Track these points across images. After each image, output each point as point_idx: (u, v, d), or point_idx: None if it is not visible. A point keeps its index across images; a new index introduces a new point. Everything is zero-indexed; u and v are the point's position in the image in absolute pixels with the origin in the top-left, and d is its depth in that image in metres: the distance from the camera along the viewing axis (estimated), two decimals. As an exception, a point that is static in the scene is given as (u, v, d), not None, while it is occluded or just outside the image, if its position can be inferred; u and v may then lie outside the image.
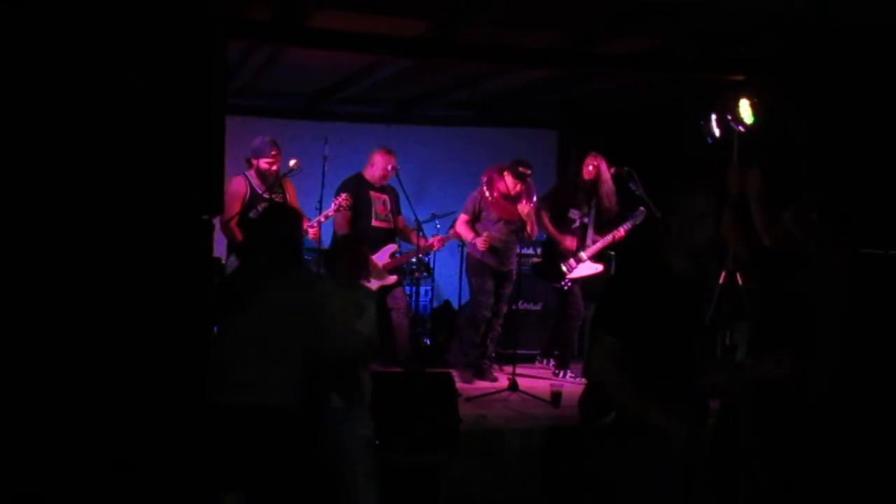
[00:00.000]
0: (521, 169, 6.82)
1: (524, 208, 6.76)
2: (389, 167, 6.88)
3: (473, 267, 7.02)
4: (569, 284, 7.12)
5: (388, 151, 6.98)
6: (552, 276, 7.17)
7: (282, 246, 4.05)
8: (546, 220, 7.12)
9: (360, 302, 4.38)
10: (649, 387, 2.91)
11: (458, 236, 7.14)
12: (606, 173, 7.15)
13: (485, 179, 6.97)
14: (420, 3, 5.69)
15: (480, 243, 6.81)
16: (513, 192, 6.87)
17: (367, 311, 4.36)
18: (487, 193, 6.91)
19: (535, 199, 6.96)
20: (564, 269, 7.10)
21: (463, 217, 7.04)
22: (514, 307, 7.41)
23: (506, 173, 6.88)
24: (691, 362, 3.00)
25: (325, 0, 5.55)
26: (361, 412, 4.39)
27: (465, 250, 7.30)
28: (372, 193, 6.93)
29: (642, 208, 6.95)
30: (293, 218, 4.37)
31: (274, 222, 4.18)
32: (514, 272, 7.04)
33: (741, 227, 5.04)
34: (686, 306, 3.02)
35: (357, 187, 6.87)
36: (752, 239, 4.98)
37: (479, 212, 6.97)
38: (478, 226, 6.96)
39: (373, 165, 6.94)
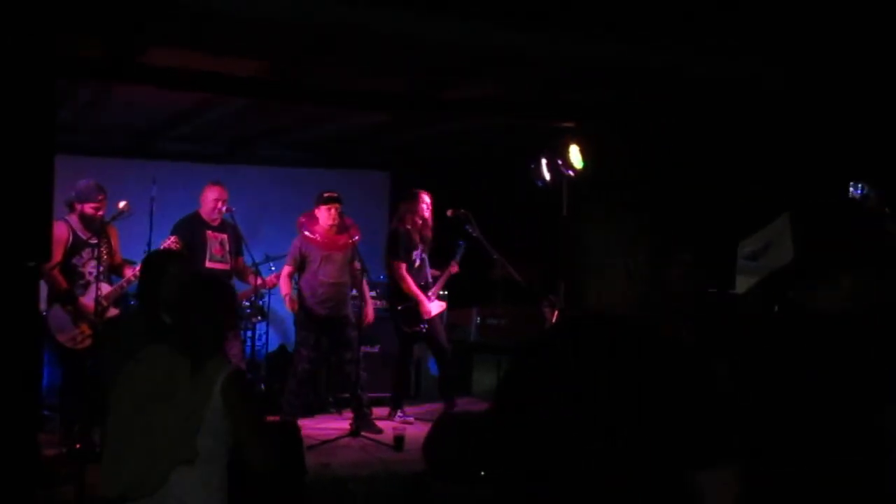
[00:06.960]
0: (325, 195, 6.81)
1: (354, 236, 6.77)
2: (218, 202, 6.69)
3: (299, 318, 6.89)
4: (426, 327, 7.16)
5: (216, 184, 6.79)
6: (411, 321, 7.16)
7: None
8: (409, 279, 7.10)
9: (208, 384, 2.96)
10: None
11: (275, 284, 7.04)
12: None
13: (299, 226, 6.93)
14: (259, 45, 5.58)
15: (288, 304, 6.82)
16: (333, 223, 6.78)
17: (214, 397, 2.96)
18: (308, 233, 6.83)
19: (357, 236, 6.92)
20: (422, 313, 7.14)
21: (286, 270, 6.93)
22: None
23: (316, 210, 6.85)
24: None
25: (161, 38, 5.33)
26: None
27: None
28: (208, 233, 6.70)
29: (462, 242, 7.29)
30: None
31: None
32: (351, 316, 6.94)
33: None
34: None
35: (191, 227, 6.64)
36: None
37: (304, 259, 6.85)
38: (305, 276, 6.85)
39: (204, 202, 6.75)
